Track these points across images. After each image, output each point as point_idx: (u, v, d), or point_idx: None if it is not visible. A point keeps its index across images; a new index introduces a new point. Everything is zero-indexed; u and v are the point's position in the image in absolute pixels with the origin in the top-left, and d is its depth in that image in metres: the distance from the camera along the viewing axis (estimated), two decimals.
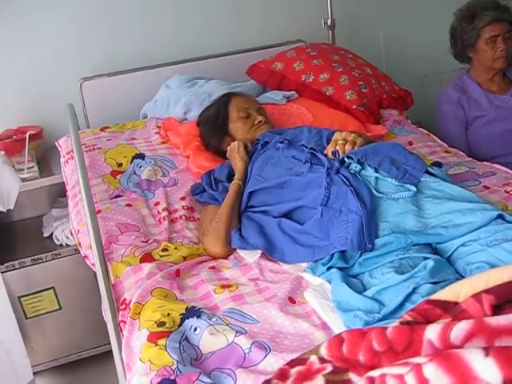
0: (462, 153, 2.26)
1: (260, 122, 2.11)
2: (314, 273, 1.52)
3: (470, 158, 2.21)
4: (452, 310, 1.16)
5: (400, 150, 1.72)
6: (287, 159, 1.84)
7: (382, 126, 2.39)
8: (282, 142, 1.91)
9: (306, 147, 1.82)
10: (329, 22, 3.00)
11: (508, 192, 1.83)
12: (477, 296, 1.12)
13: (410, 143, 2.31)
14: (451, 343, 1.04)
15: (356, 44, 3.09)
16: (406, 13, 3.38)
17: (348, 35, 3.19)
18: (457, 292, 1.18)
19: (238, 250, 1.74)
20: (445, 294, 1.21)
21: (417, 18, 3.40)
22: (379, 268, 1.43)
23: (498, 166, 2.08)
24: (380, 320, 1.28)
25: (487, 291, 1.12)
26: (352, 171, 1.67)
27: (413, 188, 1.60)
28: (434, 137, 2.42)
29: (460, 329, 1.04)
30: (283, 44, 3.00)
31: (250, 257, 1.68)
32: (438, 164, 2.09)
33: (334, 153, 1.74)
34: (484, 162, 2.15)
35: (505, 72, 2.76)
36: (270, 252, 1.64)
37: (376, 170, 1.66)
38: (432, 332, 1.07)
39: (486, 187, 1.90)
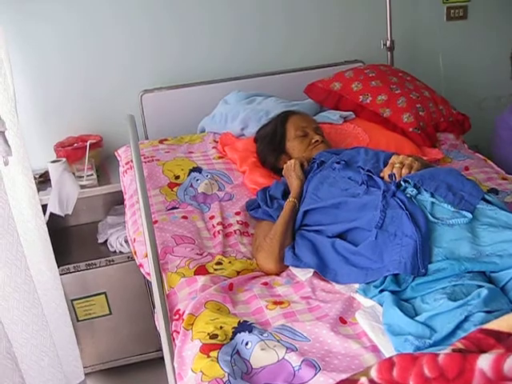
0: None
1: (317, 141, 2.14)
2: (365, 294, 1.53)
3: None
4: (506, 341, 1.15)
5: (457, 175, 1.72)
6: (343, 180, 1.86)
7: (438, 150, 2.39)
8: (338, 163, 1.93)
9: (363, 169, 1.84)
10: (388, 43, 3.01)
11: None
12: None
13: (467, 168, 2.29)
14: (504, 375, 1.04)
15: (415, 67, 3.10)
16: (467, 36, 3.36)
17: (407, 57, 3.20)
18: (511, 323, 1.18)
19: (290, 268, 1.76)
20: (499, 325, 1.21)
21: (477, 43, 3.38)
22: (432, 294, 1.43)
23: None
24: (431, 346, 1.28)
25: None
26: (408, 195, 1.67)
27: (469, 215, 1.59)
28: (491, 163, 2.40)
29: None
30: (341, 64, 3.03)
31: (303, 275, 1.70)
32: (494, 191, 2.07)
33: (391, 176, 1.75)
34: None
35: None
36: (323, 271, 1.66)
37: (432, 195, 1.66)
38: (485, 362, 1.06)
39: None
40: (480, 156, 2.46)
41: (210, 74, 2.96)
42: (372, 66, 2.75)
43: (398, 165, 1.77)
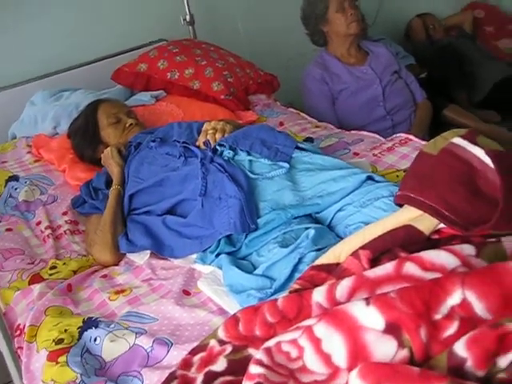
0: (331, 126, 2.36)
1: (131, 124, 2.11)
2: (204, 262, 1.54)
3: (339, 130, 2.30)
4: (335, 271, 1.22)
5: (269, 130, 1.78)
6: (162, 156, 1.85)
7: (251, 112, 2.45)
8: (154, 141, 1.91)
9: (179, 142, 1.84)
10: (187, 17, 3.02)
11: (376, 155, 1.93)
12: (355, 253, 1.19)
13: (281, 124, 2.37)
14: (337, 301, 1.10)
15: (218, 37, 3.13)
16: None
17: (209, 29, 3.22)
18: (337, 253, 1.24)
19: (127, 254, 1.73)
20: (327, 258, 1.27)
21: (276, 4, 3.47)
22: (265, 246, 1.47)
23: (365, 133, 2.19)
24: (273, 294, 1.32)
25: (363, 247, 1.19)
26: (226, 158, 1.70)
27: (285, 165, 1.65)
28: (304, 114, 2.51)
29: (343, 286, 1.10)
30: (146, 45, 2.98)
31: (140, 258, 1.68)
32: (309, 139, 2.16)
33: (206, 143, 1.77)
34: (352, 131, 2.25)
35: (360, 45, 2.90)
36: (159, 250, 1.65)
37: (248, 153, 1.71)
38: (319, 294, 1.12)
39: (356, 153, 2.00)
40: (293, 110, 2.56)
41: (12, 77, 2.79)
42: (175, 42, 2.75)
43: (211, 131, 1.79)
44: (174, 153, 1.82)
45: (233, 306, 1.36)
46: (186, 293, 1.48)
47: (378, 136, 2.14)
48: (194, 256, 1.60)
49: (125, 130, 2.10)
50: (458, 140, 1.28)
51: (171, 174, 1.74)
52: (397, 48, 3.86)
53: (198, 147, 1.79)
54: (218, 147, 1.74)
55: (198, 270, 1.56)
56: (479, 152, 1.23)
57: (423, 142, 1.96)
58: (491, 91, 3.63)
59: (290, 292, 1.20)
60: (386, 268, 1.10)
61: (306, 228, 1.47)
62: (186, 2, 3.01)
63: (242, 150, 1.72)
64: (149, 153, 1.90)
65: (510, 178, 1.16)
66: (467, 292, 0.96)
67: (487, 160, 1.20)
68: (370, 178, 1.59)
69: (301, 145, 1.76)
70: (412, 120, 2.84)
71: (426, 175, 1.27)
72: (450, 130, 1.38)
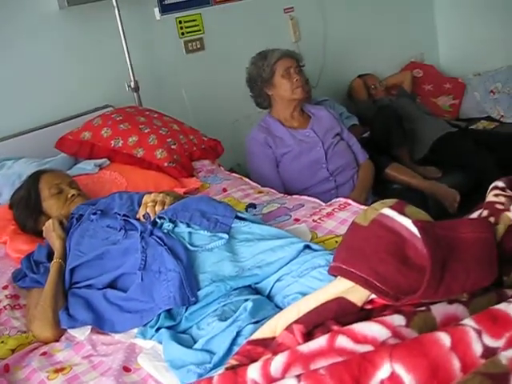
0: (273, 191, 2.39)
1: (73, 195, 2.10)
2: (144, 337, 1.54)
3: (281, 195, 2.34)
4: (271, 346, 1.23)
5: (208, 201, 1.81)
6: (102, 229, 1.85)
7: (195, 179, 2.48)
8: (95, 213, 1.92)
9: (119, 214, 1.85)
10: (132, 84, 3.06)
11: (315, 221, 1.97)
12: (289, 327, 1.21)
13: (225, 190, 2.40)
14: (272, 377, 1.11)
15: (163, 103, 3.18)
16: (206, 66, 3.54)
17: (154, 95, 3.26)
18: (273, 327, 1.26)
19: (68, 330, 1.71)
20: (263, 332, 1.29)
21: (216, 71, 3.56)
22: (205, 319, 1.48)
23: (306, 198, 2.24)
24: (212, 369, 1.32)
25: (297, 321, 1.21)
26: (165, 230, 1.71)
27: (225, 236, 1.68)
28: (247, 179, 2.55)
29: (278, 362, 1.11)
30: (92, 111, 3.00)
31: (81, 334, 1.65)
32: (252, 205, 2.20)
33: (146, 216, 1.78)
34: (294, 196, 2.30)
35: (302, 108, 2.98)
36: (100, 325, 1.63)
37: (188, 225, 1.73)
38: (254, 371, 1.13)
39: (297, 219, 2.03)
40: (236, 176, 2.60)
41: None
42: (118, 110, 2.78)
43: (150, 203, 1.81)
44: (115, 225, 1.83)
45: (173, 383, 1.36)
46: (127, 369, 1.46)
47: (318, 201, 2.18)
48: (135, 330, 1.59)
49: (67, 200, 2.10)
50: (386, 211, 1.32)
51: (112, 248, 1.74)
52: (340, 109, 3.98)
53: (139, 220, 1.80)
54: (157, 220, 1.75)
55: (139, 345, 1.55)
56: (407, 222, 1.27)
57: (362, 207, 2.01)
58: (432, 148, 3.76)
59: (227, 368, 1.21)
60: (319, 342, 1.12)
61: (246, 300, 1.48)
62: (130, 69, 3.06)
63: (181, 221, 1.74)
64: (90, 225, 1.89)
65: (436, 248, 1.21)
66: (395, 365, 0.98)
67: (414, 230, 1.25)
68: (307, 246, 1.62)
69: (240, 214, 1.79)
70: (355, 180, 2.92)
71: (358, 246, 1.31)
72: (379, 201, 1.43)
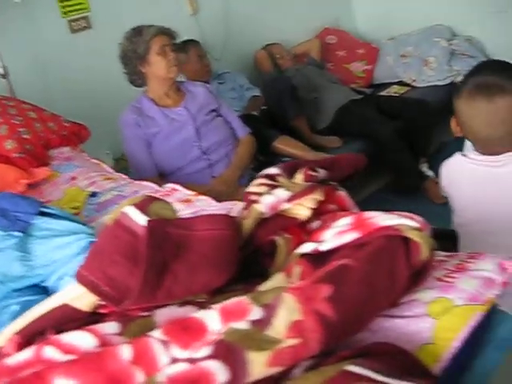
0: (124, 176, 2.33)
1: None
2: None
3: (129, 181, 2.28)
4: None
5: (10, 198, 1.76)
6: None
7: (45, 169, 2.40)
8: None
9: None
10: (1, 70, 2.97)
11: None
12: (10, 338, 1.18)
13: (74, 178, 2.33)
14: None
15: (46, 89, 3.11)
16: (91, 44, 3.45)
17: (34, 81, 3.17)
18: (5, 336, 1.23)
19: None
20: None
21: (105, 47, 3.45)
22: None
23: (145, 183, 2.18)
24: None
25: (19, 331, 1.19)
26: None
27: (19, 234, 1.63)
28: (105, 166, 2.49)
29: None
30: None
31: None
32: (93, 194, 2.15)
33: None
34: (136, 182, 2.24)
35: (179, 87, 2.92)
36: None
37: None
38: None
39: None
40: (95, 161, 2.53)
41: None
42: None
43: None
44: None
45: None
46: None
47: (155, 186, 2.14)
48: None
49: None
50: (128, 209, 1.28)
51: None
52: (242, 80, 3.93)
53: None
54: None
55: None
56: (143, 221, 1.24)
57: (189, 192, 1.98)
58: (335, 117, 3.73)
59: None
60: (27, 353, 1.10)
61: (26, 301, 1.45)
62: None
63: None
64: None
65: (157, 250, 1.17)
66: (72, 381, 0.96)
67: None
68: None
69: (46, 209, 1.74)
70: (231, 157, 2.87)
71: (99, 248, 1.28)
72: (128, 199, 1.40)
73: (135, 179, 2.31)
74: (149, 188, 2.13)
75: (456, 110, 1.69)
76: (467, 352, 1.11)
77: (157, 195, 1.97)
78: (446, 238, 1.92)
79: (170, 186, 2.06)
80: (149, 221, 1.22)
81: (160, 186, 2.17)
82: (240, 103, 3.75)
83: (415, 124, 3.67)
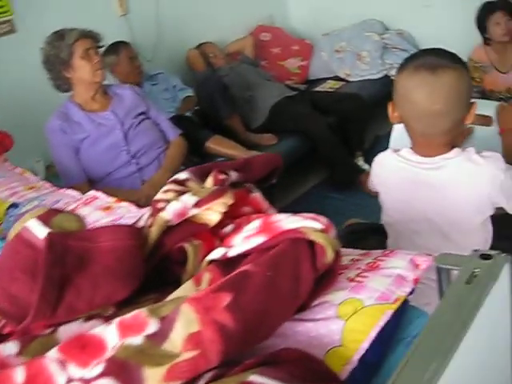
0: (47, 185, 2.26)
1: None
2: None
3: (52, 189, 2.21)
4: None
5: None
6: None
7: None
8: None
9: None
10: None
11: None
12: None
13: None
14: None
15: None
16: (15, 49, 3.34)
17: None
18: None
19: None
20: None
21: (30, 52, 3.37)
22: None
23: (67, 192, 2.11)
24: None
25: None
26: None
27: None
28: (28, 175, 2.41)
29: None
30: None
31: None
32: (14, 205, 2.08)
33: None
34: (60, 190, 2.17)
35: (106, 90, 2.85)
36: None
37: None
38: None
39: None
40: (18, 171, 2.45)
41: None
42: None
43: None
44: None
45: None
46: None
47: (76, 194, 2.07)
48: None
49: None
50: (31, 222, 1.24)
51: None
52: (174, 81, 3.88)
53: None
54: None
55: None
56: (44, 234, 1.20)
57: (109, 199, 1.92)
58: (269, 114, 3.72)
59: None
60: None
61: None
62: None
63: None
64: None
65: (58, 265, 1.13)
66: None
67: None
68: None
69: None
70: (161, 160, 2.83)
71: (1, 265, 1.23)
72: (29, 212, 1.35)
73: (62, 187, 2.24)
74: (70, 196, 2.07)
75: (395, 87, 1.62)
76: (377, 352, 1.10)
77: (75, 205, 1.92)
78: (380, 233, 1.93)
79: (91, 193, 1.99)
80: (48, 233, 1.18)
81: (83, 193, 2.10)
82: (173, 104, 3.71)
83: (350, 118, 3.71)
